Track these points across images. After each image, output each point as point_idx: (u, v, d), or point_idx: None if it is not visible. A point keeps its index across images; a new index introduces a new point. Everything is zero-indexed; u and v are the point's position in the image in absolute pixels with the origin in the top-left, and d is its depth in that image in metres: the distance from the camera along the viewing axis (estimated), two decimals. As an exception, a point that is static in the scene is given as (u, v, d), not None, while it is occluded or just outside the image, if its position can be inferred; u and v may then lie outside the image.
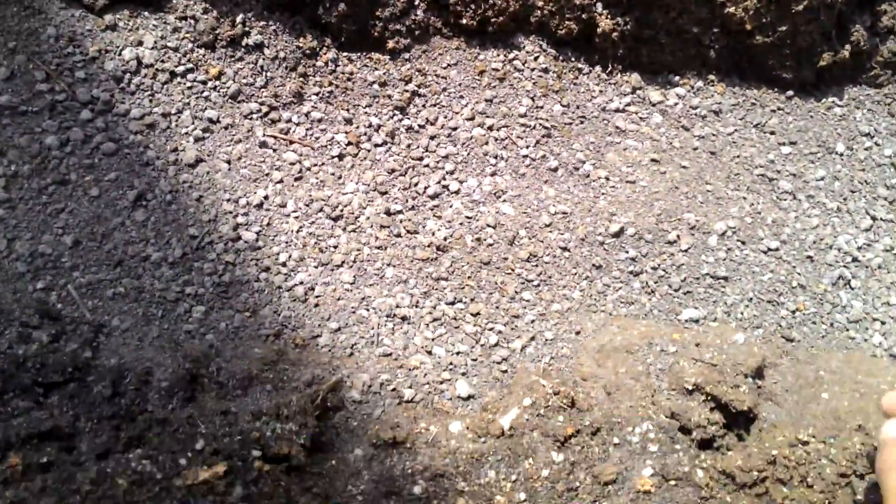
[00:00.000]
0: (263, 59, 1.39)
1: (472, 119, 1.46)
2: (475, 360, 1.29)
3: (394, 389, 1.22)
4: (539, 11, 1.48)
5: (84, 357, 1.10)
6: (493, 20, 1.47)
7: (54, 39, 1.32)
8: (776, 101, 1.58)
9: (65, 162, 1.27)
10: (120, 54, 1.33)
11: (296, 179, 1.34)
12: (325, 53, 1.42)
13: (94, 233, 1.23)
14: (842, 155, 1.57)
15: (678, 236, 1.44)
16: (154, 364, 1.12)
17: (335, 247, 1.30)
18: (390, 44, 1.45)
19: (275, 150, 1.36)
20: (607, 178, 1.48)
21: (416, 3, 1.44)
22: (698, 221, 1.46)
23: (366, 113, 1.43)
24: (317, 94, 1.41)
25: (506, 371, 1.29)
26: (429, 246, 1.35)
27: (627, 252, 1.42)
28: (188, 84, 1.35)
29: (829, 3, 1.51)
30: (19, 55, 1.30)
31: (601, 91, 1.53)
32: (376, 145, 1.41)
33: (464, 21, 1.46)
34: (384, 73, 1.45)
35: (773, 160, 1.53)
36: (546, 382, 1.20)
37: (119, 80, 1.32)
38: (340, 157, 1.38)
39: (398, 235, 1.35)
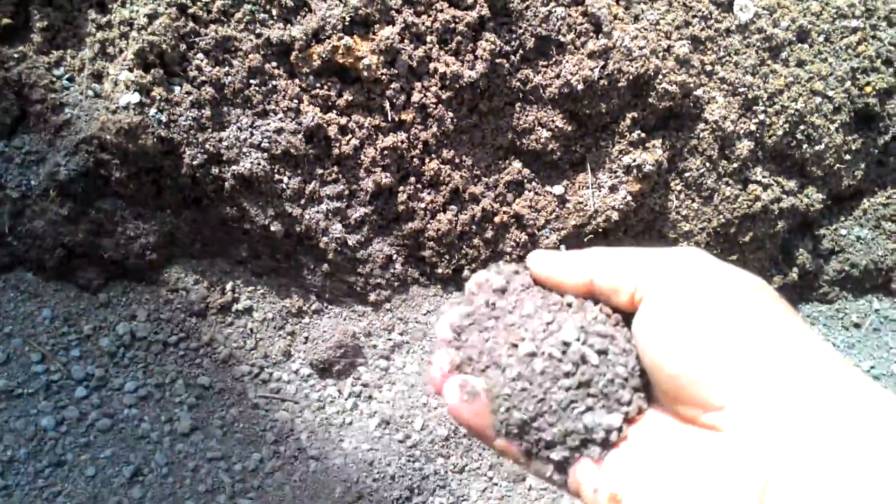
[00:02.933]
0: (253, 321, 1.46)
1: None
2: None
3: None
4: (508, 257, 1.58)
5: None
6: (466, 268, 1.57)
7: (49, 321, 1.38)
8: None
9: (60, 442, 1.30)
10: (114, 329, 1.39)
11: (286, 437, 1.39)
12: (310, 310, 1.50)
13: (89, 519, 1.25)
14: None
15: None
16: None
17: (329, 514, 1.33)
18: (372, 297, 1.54)
19: (267, 411, 1.41)
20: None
21: (395, 257, 1.54)
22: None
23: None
24: (305, 351, 1.48)
25: None
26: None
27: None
28: (181, 353, 1.41)
29: (773, 233, 1.65)
30: (15, 339, 1.36)
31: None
32: (368, 398, 1.47)
33: (439, 270, 1.56)
34: (368, 325, 1.53)
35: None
36: None
37: (113, 354, 1.38)
38: (332, 412, 1.44)
39: None
